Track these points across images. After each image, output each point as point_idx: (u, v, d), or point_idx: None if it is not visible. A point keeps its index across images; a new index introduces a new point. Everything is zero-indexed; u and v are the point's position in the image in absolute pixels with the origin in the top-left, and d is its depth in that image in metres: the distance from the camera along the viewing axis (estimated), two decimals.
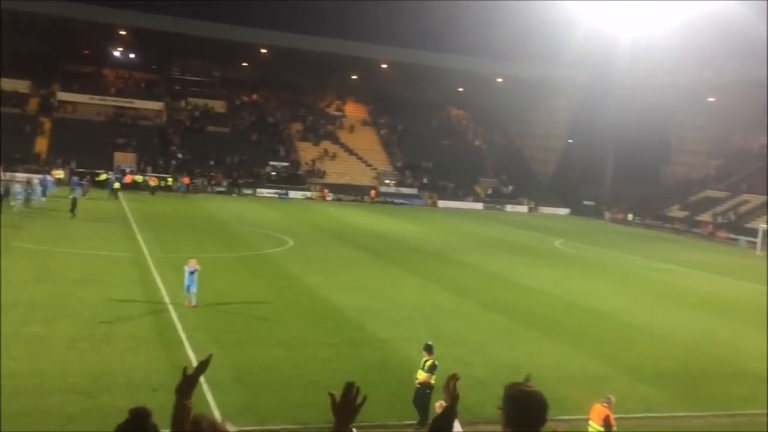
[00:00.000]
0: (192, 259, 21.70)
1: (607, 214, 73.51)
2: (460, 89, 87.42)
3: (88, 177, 57.52)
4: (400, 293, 26.04)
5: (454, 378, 3.76)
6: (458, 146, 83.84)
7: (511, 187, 79.42)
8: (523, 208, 76.43)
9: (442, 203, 73.40)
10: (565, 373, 17.27)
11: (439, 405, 12.67)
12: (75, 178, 55.03)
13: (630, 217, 70.53)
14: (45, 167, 61.67)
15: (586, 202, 76.26)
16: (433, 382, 13.50)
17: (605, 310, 25.81)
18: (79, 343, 16.79)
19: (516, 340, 20.62)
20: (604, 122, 73.66)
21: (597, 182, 78.42)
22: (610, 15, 63.82)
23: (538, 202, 77.55)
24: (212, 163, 70.42)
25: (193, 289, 21.21)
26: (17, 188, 43.01)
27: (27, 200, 42.79)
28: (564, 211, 77.26)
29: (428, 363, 13.77)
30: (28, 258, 27.10)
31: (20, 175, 54.51)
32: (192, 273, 21.30)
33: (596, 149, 77.95)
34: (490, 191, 78.67)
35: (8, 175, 55.50)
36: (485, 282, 29.97)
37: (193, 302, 21.16)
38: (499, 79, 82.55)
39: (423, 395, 13.50)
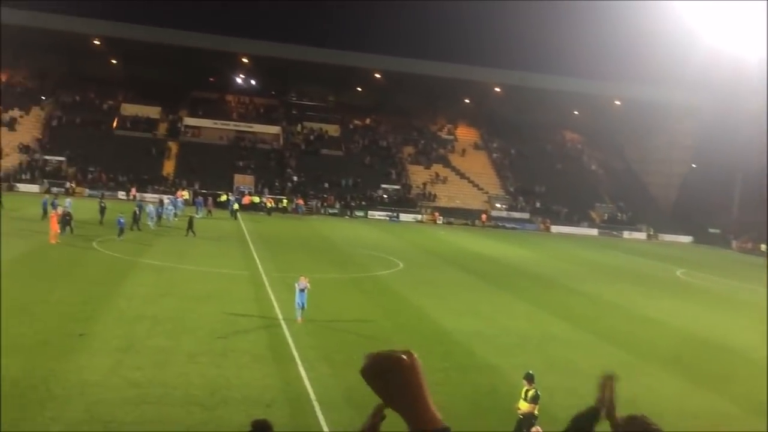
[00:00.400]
0: (302, 277, 22.47)
1: (734, 243, 69.39)
2: (576, 112, 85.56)
3: (210, 198, 60.41)
4: (510, 319, 25.55)
5: (611, 378, 3.52)
6: (573, 170, 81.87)
7: (628, 213, 76.57)
8: (642, 235, 73.43)
9: (555, 228, 71.73)
10: (686, 410, 16.32)
11: (535, 430, 12.28)
12: (199, 199, 58.20)
13: (763, 247, 65.77)
14: (171, 188, 65.27)
15: (711, 230, 72.35)
16: (536, 413, 13.07)
17: (732, 345, 24.25)
18: (199, 357, 17.51)
19: (633, 373, 19.68)
20: (731, 146, 69.86)
21: (723, 209, 74.26)
22: (736, 35, 60.74)
23: (658, 228, 74.28)
24: (326, 185, 72.20)
25: (304, 305, 21.93)
26: (150, 208, 45.89)
27: (158, 219, 45.48)
28: (686, 239, 73.59)
29: (530, 393, 13.34)
30: (154, 274, 28.66)
31: (151, 196, 58.10)
32: (302, 290, 22.05)
33: (722, 174, 73.97)
34: (606, 217, 76.16)
35: (140, 195, 59.29)
36: (601, 311, 28.92)
37: (301, 318, 21.86)
38: (617, 102, 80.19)
39: (527, 425, 13.07)
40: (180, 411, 13.85)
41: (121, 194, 62.75)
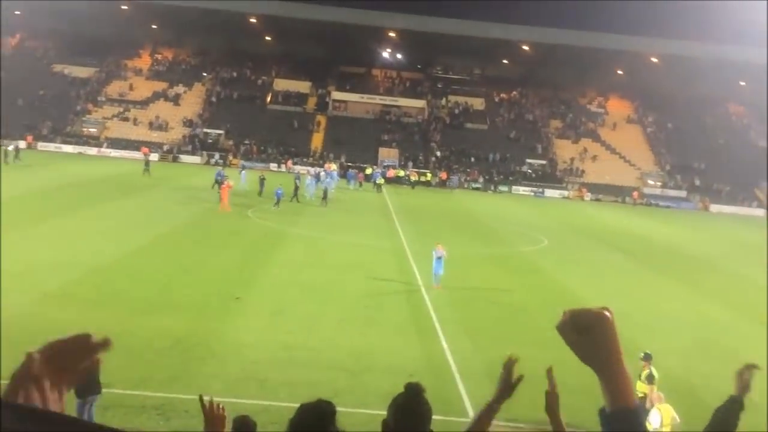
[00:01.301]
0: (439, 245, 23.15)
1: None
2: (742, 83, 79.13)
3: (360, 171, 62.09)
4: (663, 302, 24.33)
5: (751, 367, 3.39)
6: (737, 146, 76.03)
7: None
8: None
9: (715, 207, 67.15)
10: None
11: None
12: (351, 171, 60.32)
13: None
14: (319, 161, 67.51)
15: None
16: (648, 392, 12.58)
17: None
18: (346, 324, 18.12)
19: None
20: None
21: None
22: None
23: None
24: (470, 159, 71.74)
25: (440, 273, 22.55)
26: (309, 180, 47.97)
27: (314, 191, 47.47)
28: None
29: (645, 373, 12.91)
30: (304, 243, 29.88)
31: (301, 168, 60.47)
32: (439, 258, 22.63)
33: None
34: None
35: (296, 168, 61.80)
36: (764, 297, 26.82)
37: (438, 285, 22.44)
38: None
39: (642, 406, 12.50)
40: (327, 375, 14.41)
41: (273, 166, 65.65)
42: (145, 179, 47.07)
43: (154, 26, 78.94)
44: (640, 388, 12.93)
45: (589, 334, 1.52)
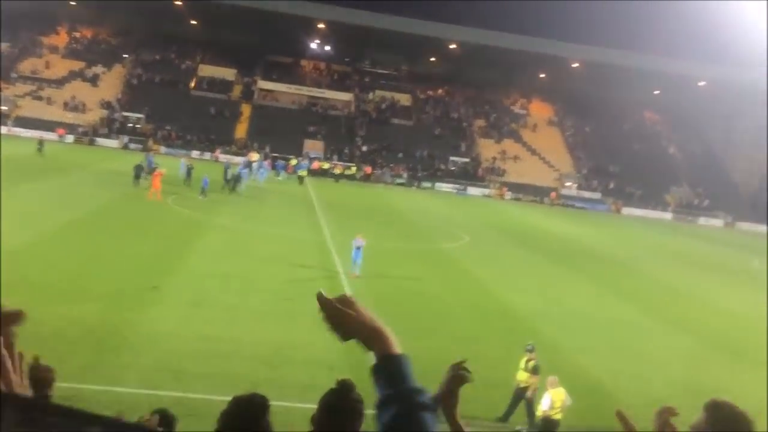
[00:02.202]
0: (359, 235, 23.91)
1: None
2: (656, 92, 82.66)
3: (287, 162, 61.82)
4: (576, 300, 25.17)
5: (670, 410, 3.41)
6: (650, 152, 79.42)
7: (706, 199, 73.93)
8: (719, 222, 70.91)
9: (626, 210, 69.97)
10: (757, 405, 15.78)
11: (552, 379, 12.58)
12: (280, 162, 60.57)
13: None
14: (242, 150, 66.49)
15: None
16: (532, 382, 13.28)
17: None
18: (266, 316, 17.94)
19: (702, 362, 19.20)
20: None
21: None
22: None
23: (737, 216, 71.54)
24: (395, 154, 72.14)
25: (359, 262, 23.40)
26: (242, 169, 47.57)
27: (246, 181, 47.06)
28: (765, 228, 70.62)
29: (531, 364, 13.43)
30: (226, 234, 29.37)
31: (240, 159, 59.59)
32: (359, 248, 23.47)
33: None
34: (682, 201, 73.78)
35: (225, 158, 60.70)
36: (670, 297, 28.17)
37: (358, 273, 23.22)
38: (701, 83, 77.03)
39: (521, 395, 13.29)
40: (246, 367, 14.24)
41: (195, 153, 64.23)
42: (41, 161, 45.04)
43: (72, 2, 75.80)
44: (521, 377, 13.41)
45: (346, 318, 1.77)
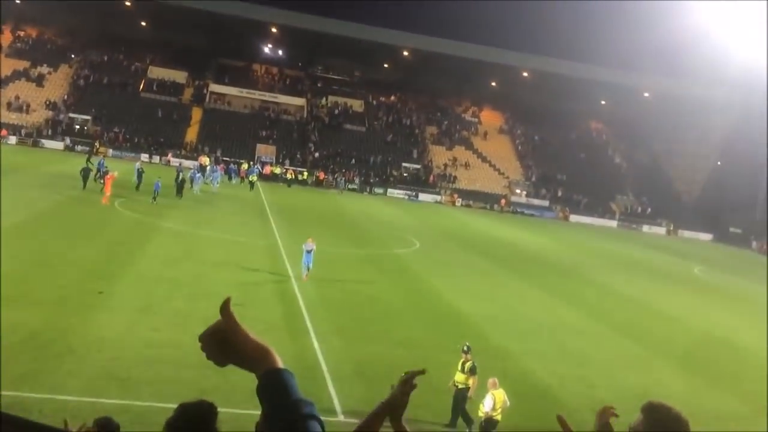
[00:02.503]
0: (310, 239, 24.08)
1: (755, 244, 68.70)
2: (603, 102, 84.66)
3: (239, 166, 61.33)
4: (525, 306, 25.56)
5: (610, 411, 3.50)
6: (596, 161, 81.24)
7: (649, 207, 75.95)
8: (662, 230, 72.90)
9: (574, 218, 71.38)
10: (698, 408, 16.25)
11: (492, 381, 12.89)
12: (233, 166, 60.64)
13: None
14: (193, 154, 65.61)
15: (732, 229, 71.66)
16: (470, 383, 13.46)
17: (747, 346, 24.10)
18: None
19: (646, 366, 19.69)
20: (759, 145, 68.86)
21: (747, 209, 73.42)
22: None
23: (679, 224, 73.69)
24: (347, 160, 72.16)
25: (310, 265, 23.64)
26: (194, 173, 47.74)
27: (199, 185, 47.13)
28: (706, 236, 72.94)
29: (468, 365, 13.66)
30: (175, 238, 28.94)
31: (192, 162, 58.84)
32: (309, 251, 23.68)
33: (748, 173, 73.04)
34: (626, 209, 75.64)
35: (177, 161, 59.87)
36: (616, 303, 28.84)
37: (306, 277, 23.51)
38: (646, 94, 79.20)
39: (461, 398, 13.43)
40: (195, 373, 14.02)
41: (144, 157, 63.09)
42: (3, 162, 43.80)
43: (17, 0, 73.73)
44: (459, 378, 13.60)
45: (223, 343, 1.74)
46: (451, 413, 13.49)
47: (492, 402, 12.81)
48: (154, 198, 37.09)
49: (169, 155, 64.09)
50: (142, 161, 51.12)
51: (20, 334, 14.85)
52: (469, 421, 13.36)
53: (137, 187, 40.63)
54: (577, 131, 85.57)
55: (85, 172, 39.01)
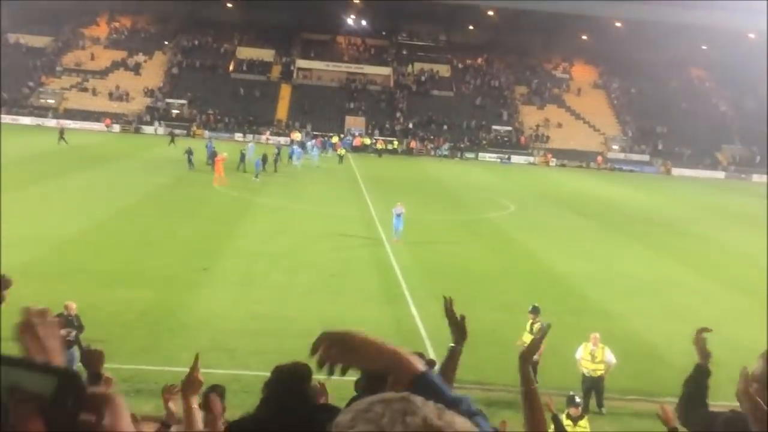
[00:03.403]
0: (399, 203, 24.94)
1: None
2: (704, 47, 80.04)
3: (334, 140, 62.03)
4: (626, 264, 24.78)
5: (702, 331, 3.57)
6: (699, 110, 77.16)
7: (759, 155, 71.65)
8: None
9: (676, 171, 68.29)
10: None
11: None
12: (329, 140, 61.22)
13: None
14: (285, 130, 66.91)
15: None
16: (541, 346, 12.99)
17: None
18: (316, 293, 18.13)
19: (758, 321, 18.70)
20: None
21: None
22: None
23: None
24: (437, 126, 71.66)
25: (400, 228, 24.48)
26: (294, 149, 49.89)
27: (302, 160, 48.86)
28: None
29: (536, 326, 13.36)
30: (271, 214, 29.70)
31: (288, 139, 60.44)
32: (399, 215, 24.49)
33: None
34: (734, 159, 71.69)
35: (274, 139, 61.56)
36: (725, 257, 27.51)
37: (398, 239, 24.32)
38: (751, 35, 74.23)
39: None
40: (297, 343, 14.35)
41: (239, 136, 64.81)
42: (109, 149, 46.17)
43: None
44: (527, 338, 13.34)
45: (353, 349, 1.55)
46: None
47: (582, 352, 12.88)
48: (257, 175, 38.29)
49: (267, 134, 65.36)
50: (230, 141, 52.79)
51: (134, 311, 15.71)
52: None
53: (240, 168, 41.61)
54: (677, 81, 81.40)
55: (189, 154, 40.75)
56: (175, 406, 4.46)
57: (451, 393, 1.54)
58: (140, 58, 75.12)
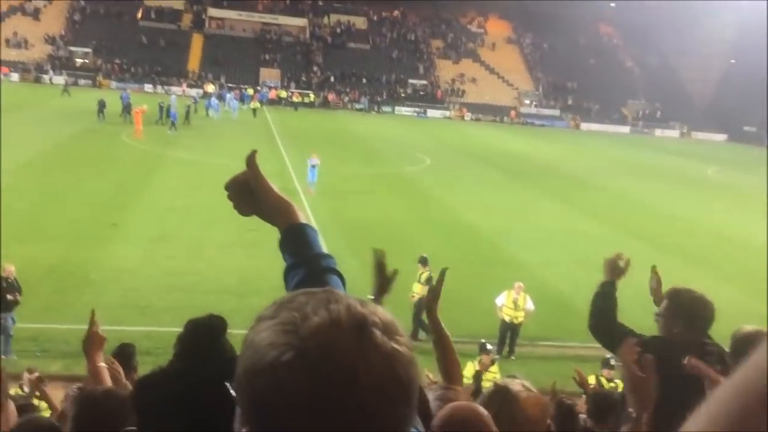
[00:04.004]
0: (314, 154, 25.23)
1: None
2: (612, 5, 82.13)
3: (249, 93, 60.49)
4: (537, 216, 25.55)
5: (618, 256, 3.87)
6: (606, 66, 79.53)
7: (662, 110, 74.76)
8: (675, 133, 72.01)
9: (585, 126, 70.51)
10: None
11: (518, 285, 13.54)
12: (247, 93, 59.55)
13: None
14: (197, 82, 64.83)
15: (746, 128, 70.55)
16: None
17: (762, 244, 24.09)
18: (231, 248, 17.89)
19: (659, 269, 19.77)
20: None
21: (761, 105, 71.99)
22: None
23: (692, 126, 72.70)
24: (355, 80, 71.09)
25: (314, 180, 24.79)
26: (210, 101, 49.10)
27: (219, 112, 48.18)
28: (720, 137, 72.06)
29: (424, 275, 13.80)
30: (184, 167, 28.93)
31: (199, 91, 58.60)
32: (313, 167, 24.76)
33: (762, 70, 71.25)
34: (638, 114, 74.52)
35: (188, 90, 59.40)
36: (629, 208, 28.76)
37: (312, 190, 24.57)
38: None
39: (419, 309, 13.47)
40: (212, 298, 14.25)
41: (148, 88, 62.36)
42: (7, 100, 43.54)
43: None
44: (417, 289, 13.74)
45: (248, 193, 1.78)
46: (412, 324, 13.50)
47: (504, 299, 13.41)
48: (172, 127, 37.28)
49: (184, 86, 62.86)
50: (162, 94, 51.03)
51: (39, 268, 15.08)
52: (427, 329, 13.49)
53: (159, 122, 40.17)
54: (587, 37, 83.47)
55: (101, 105, 39.07)
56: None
57: (321, 249, 1.66)
58: (39, 3, 70.64)
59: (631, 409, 2.29)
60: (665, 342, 3.54)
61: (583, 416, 5.62)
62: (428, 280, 13.64)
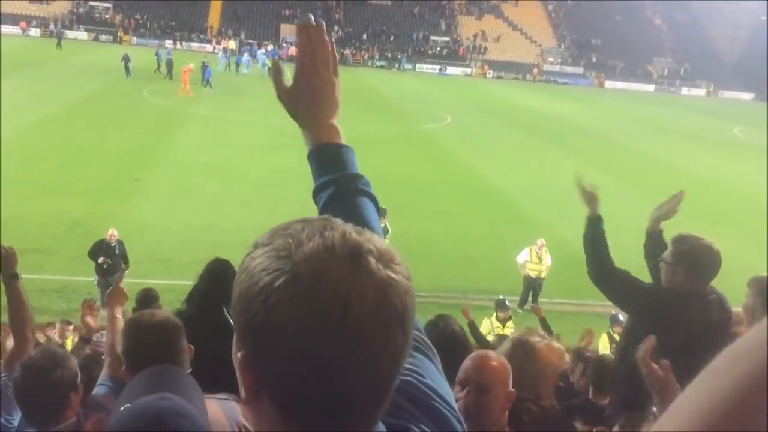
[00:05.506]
0: None
1: None
2: None
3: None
4: (558, 175, 25.33)
5: (584, 186, 3.87)
6: (633, 23, 77.81)
7: (688, 68, 73.24)
8: (701, 92, 70.68)
9: (609, 84, 69.39)
10: (733, 265, 16.30)
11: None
12: (273, 49, 59.03)
13: None
14: (216, 37, 64.49)
15: None
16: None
17: None
18: (252, 203, 18.03)
19: (680, 228, 19.65)
20: None
21: None
22: None
23: (719, 85, 71.25)
24: (373, 36, 70.32)
25: None
26: (240, 57, 50.36)
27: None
28: (748, 95, 70.64)
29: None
30: (206, 124, 29.01)
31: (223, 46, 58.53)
32: None
33: None
34: (664, 72, 73.12)
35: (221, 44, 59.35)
36: (651, 168, 28.47)
37: None
38: None
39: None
40: (234, 253, 14.21)
41: (168, 43, 62.14)
42: (28, 55, 43.77)
43: None
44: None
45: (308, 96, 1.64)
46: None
47: (527, 255, 13.54)
48: (208, 85, 37.97)
49: (213, 43, 62.66)
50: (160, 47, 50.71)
51: (63, 223, 15.35)
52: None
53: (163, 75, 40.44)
54: None
55: (126, 60, 39.14)
56: (94, 321, 4.55)
57: (356, 169, 1.56)
58: None
59: (655, 409, 2.27)
60: (670, 293, 3.52)
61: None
62: (384, 230, 13.59)
